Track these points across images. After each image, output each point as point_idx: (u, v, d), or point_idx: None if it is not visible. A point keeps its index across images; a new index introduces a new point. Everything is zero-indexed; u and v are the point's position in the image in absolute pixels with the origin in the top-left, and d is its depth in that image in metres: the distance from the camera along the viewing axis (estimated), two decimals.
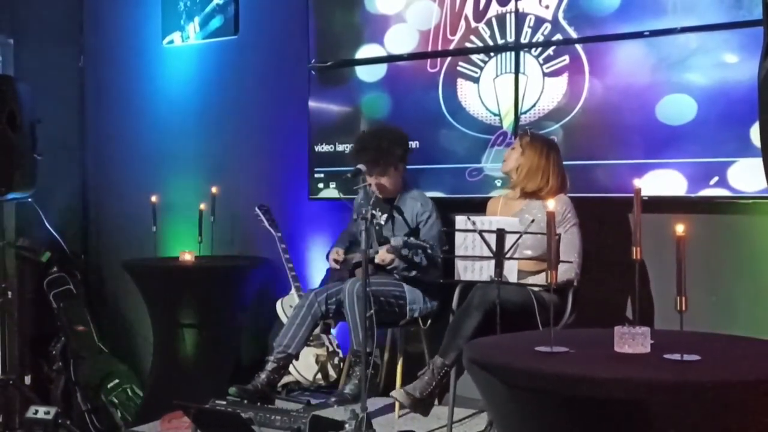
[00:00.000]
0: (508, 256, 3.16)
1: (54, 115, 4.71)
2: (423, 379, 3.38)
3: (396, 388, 3.61)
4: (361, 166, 3.78)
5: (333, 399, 3.82)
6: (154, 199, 4.83)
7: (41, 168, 4.24)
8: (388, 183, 3.92)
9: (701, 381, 1.95)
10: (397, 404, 3.81)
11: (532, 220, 3.35)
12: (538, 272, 3.45)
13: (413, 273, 3.87)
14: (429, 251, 3.79)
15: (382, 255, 3.87)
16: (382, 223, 3.94)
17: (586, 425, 1.99)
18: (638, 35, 3.75)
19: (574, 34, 3.92)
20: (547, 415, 2.04)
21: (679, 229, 2.09)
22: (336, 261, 4.01)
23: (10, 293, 4.53)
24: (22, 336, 4.94)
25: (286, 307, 4.30)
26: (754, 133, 3.39)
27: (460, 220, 3.33)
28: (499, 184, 4.05)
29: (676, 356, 2.10)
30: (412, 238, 3.80)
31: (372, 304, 3.57)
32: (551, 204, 2.41)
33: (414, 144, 4.26)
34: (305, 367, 4.16)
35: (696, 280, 2.95)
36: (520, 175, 3.62)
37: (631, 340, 2.20)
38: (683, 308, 2.09)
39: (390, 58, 4.42)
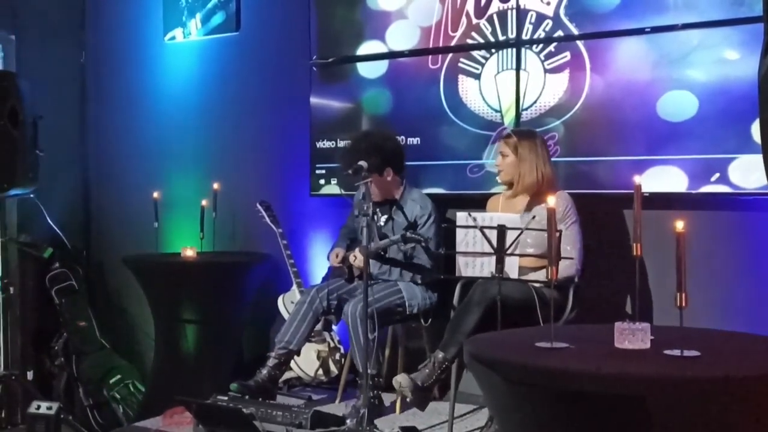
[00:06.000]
0: (509, 252, 3.17)
1: (55, 112, 4.72)
2: (424, 371, 3.40)
3: None
4: (362, 163, 3.78)
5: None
6: (155, 195, 4.84)
7: (43, 164, 4.25)
8: (374, 189, 3.87)
9: (701, 377, 1.96)
10: (398, 401, 3.82)
11: (533, 217, 3.36)
12: (539, 269, 3.45)
13: (411, 276, 3.90)
14: (423, 245, 3.79)
15: (353, 256, 3.88)
16: (382, 223, 3.95)
17: (586, 421, 1.99)
18: (639, 32, 3.75)
19: (575, 31, 3.92)
20: (546, 411, 2.05)
21: (679, 225, 2.10)
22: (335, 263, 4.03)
23: (12, 289, 4.54)
24: (25, 331, 4.95)
25: (287, 302, 4.31)
26: (755, 130, 3.39)
27: (461, 217, 3.34)
28: (498, 180, 4.05)
29: (676, 352, 2.11)
30: (409, 232, 3.80)
31: (376, 326, 3.57)
32: (552, 200, 2.41)
33: (415, 140, 4.28)
34: (307, 362, 4.17)
35: (696, 276, 2.96)
36: (524, 179, 3.59)
37: (631, 336, 2.21)
38: (683, 304, 2.10)
39: (391, 55, 4.42)
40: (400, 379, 3.39)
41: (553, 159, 3.80)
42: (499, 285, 3.14)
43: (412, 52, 4.36)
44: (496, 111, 4.13)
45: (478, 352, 2.23)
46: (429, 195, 4.04)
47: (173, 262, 4.68)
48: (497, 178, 3.77)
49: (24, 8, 5.06)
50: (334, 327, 4.30)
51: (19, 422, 4.31)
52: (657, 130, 3.72)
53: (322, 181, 4.62)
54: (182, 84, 5.20)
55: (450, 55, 4.24)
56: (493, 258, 3.16)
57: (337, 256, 4.02)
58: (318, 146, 4.62)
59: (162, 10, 5.23)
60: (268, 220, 4.50)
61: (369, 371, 3.49)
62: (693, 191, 3.64)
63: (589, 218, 3.62)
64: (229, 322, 4.65)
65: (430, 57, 4.30)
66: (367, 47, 4.50)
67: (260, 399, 3.70)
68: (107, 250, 5.47)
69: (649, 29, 3.73)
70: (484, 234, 3.15)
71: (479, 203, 3.84)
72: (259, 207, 4.53)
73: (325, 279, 4.39)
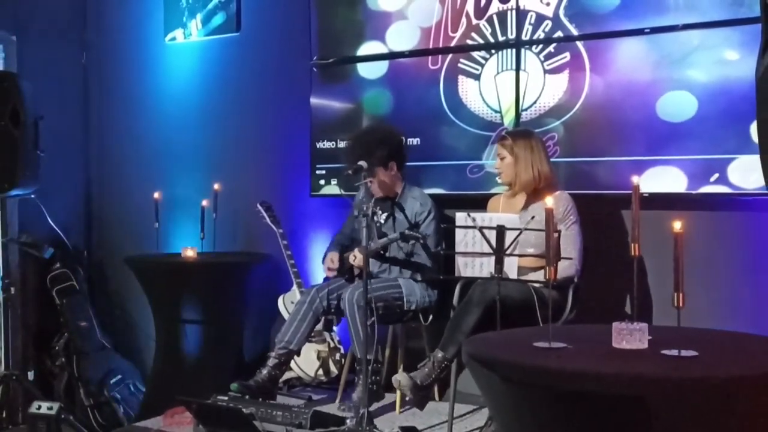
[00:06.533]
0: (508, 252, 3.17)
1: (57, 112, 4.73)
2: (423, 370, 3.40)
3: None
4: (362, 163, 3.79)
5: (341, 406, 3.86)
6: (156, 195, 4.84)
7: (44, 164, 4.26)
8: (380, 183, 3.91)
9: (698, 377, 1.96)
10: (397, 400, 3.83)
11: (533, 217, 3.37)
12: (539, 269, 3.45)
13: (411, 274, 3.91)
14: (422, 242, 3.79)
15: (353, 255, 3.88)
16: (382, 221, 3.95)
17: (583, 420, 2.00)
18: (639, 32, 3.76)
19: (574, 31, 3.92)
20: (544, 410, 2.05)
21: (677, 226, 2.10)
22: (330, 269, 4.02)
23: (13, 289, 4.55)
24: (26, 332, 4.96)
25: (287, 303, 4.31)
26: (755, 130, 3.38)
27: (461, 217, 3.34)
28: (500, 181, 4.05)
29: (674, 352, 2.11)
30: (407, 230, 3.80)
31: (373, 312, 3.58)
32: (550, 201, 2.41)
33: (415, 141, 4.28)
34: (307, 362, 4.18)
35: (696, 276, 2.97)
36: (520, 177, 3.61)
37: (629, 336, 2.21)
38: (680, 304, 2.10)
39: (391, 55, 4.43)
40: (400, 378, 3.40)
41: (552, 159, 3.81)
42: (498, 285, 3.14)
43: (412, 53, 4.37)
44: (496, 111, 4.13)
45: (476, 352, 2.23)
46: (429, 195, 4.05)
47: (174, 263, 4.68)
48: (497, 179, 3.78)
49: (25, 9, 5.07)
50: (334, 327, 4.30)
51: (20, 422, 4.32)
52: (656, 130, 3.72)
53: (322, 182, 4.63)
54: (183, 85, 5.21)
55: (450, 55, 4.25)
56: (493, 258, 3.17)
57: (332, 261, 4.01)
58: (318, 147, 4.63)
59: (163, 10, 5.24)
60: (268, 220, 4.50)
61: (367, 357, 3.49)
62: (692, 191, 3.65)
63: (588, 219, 3.63)
64: (230, 322, 4.66)
65: (430, 57, 4.31)
66: (367, 48, 4.50)
67: (260, 399, 3.71)
68: (108, 251, 5.48)
69: (648, 30, 3.73)
70: (483, 234, 3.16)
71: (479, 203, 3.84)
72: (260, 207, 4.54)
73: (326, 279, 4.39)
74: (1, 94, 4.09)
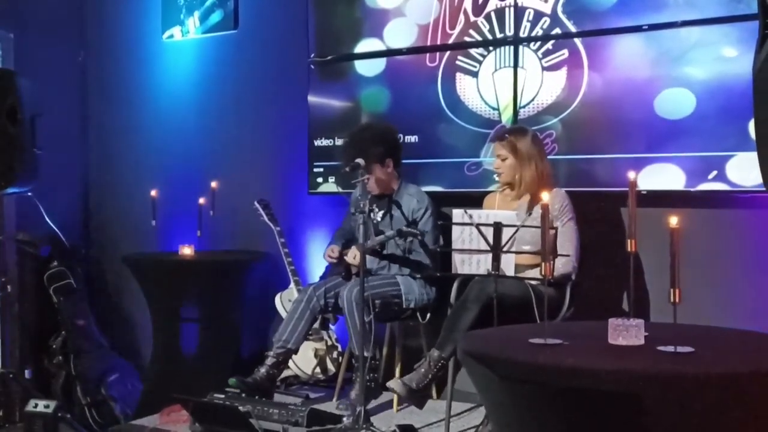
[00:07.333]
0: (505, 249, 3.16)
1: (54, 110, 4.72)
2: (419, 371, 3.39)
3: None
4: (359, 161, 3.78)
5: (339, 405, 3.84)
6: (153, 193, 4.83)
7: (42, 162, 4.25)
8: (377, 180, 3.91)
9: (694, 373, 1.95)
10: (395, 398, 3.82)
11: (529, 214, 3.36)
12: (536, 266, 3.44)
13: (408, 271, 3.90)
14: (420, 238, 3.78)
15: (353, 253, 3.88)
16: (379, 219, 3.94)
17: (578, 416, 1.99)
18: (637, 29, 3.75)
19: (573, 28, 3.91)
20: (540, 407, 2.04)
21: (673, 221, 2.10)
22: (331, 257, 4.02)
23: (10, 287, 4.54)
24: (23, 330, 4.95)
25: (285, 301, 4.30)
26: (753, 127, 3.38)
27: (457, 214, 3.33)
28: (498, 180, 4.04)
29: (670, 348, 2.10)
30: (404, 227, 3.79)
31: (371, 309, 3.57)
32: (546, 196, 2.40)
33: (413, 138, 4.27)
34: (304, 361, 4.17)
35: (694, 273, 2.96)
36: (524, 178, 3.58)
37: (625, 332, 2.20)
38: (677, 301, 2.09)
39: (389, 53, 4.42)
40: (394, 386, 3.38)
41: (550, 157, 3.80)
42: (495, 283, 3.13)
43: (410, 50, 4.36)
44: (494, 109, 4.12)
45: (472, 349, 2.23)
46: (426, 192, 4.04)
47: (171, 261, 4.68)
48: (495, 176, 3.76)
49: (23, 6, 5.06)
50: (331, 325, 4.29)
51: (17, 420, 4.30)
52: (655, 127, 3.71)
53: (320, 179, 4.62)
54: (180, 82, 5.20)
55: (448, 52, 4.24)
56: (490, 255, 3.15)
57: (333, 251, 4.02)
58: (316, 144, 4.62)
59: (160, 8, 5.24)
60: (266, 218, 4.50)
61: (365, 354, 3.48)
62: (691, 189, 3.64)
63: (586, 216, 3.62)
64: (227, 321, 4.65)
65: (428, 55, 4.30)
66: (365, 45, 4.49)
67: (257, 397, 3.70)
68: (106, 249, 5.47)
69: (646, 26, 3.72)
70: (480, 231, 3.15)
71: (477, 201, 3.83)
72: (257, 205, 4.53)
73: (323, 277, 4.39)
74: None
